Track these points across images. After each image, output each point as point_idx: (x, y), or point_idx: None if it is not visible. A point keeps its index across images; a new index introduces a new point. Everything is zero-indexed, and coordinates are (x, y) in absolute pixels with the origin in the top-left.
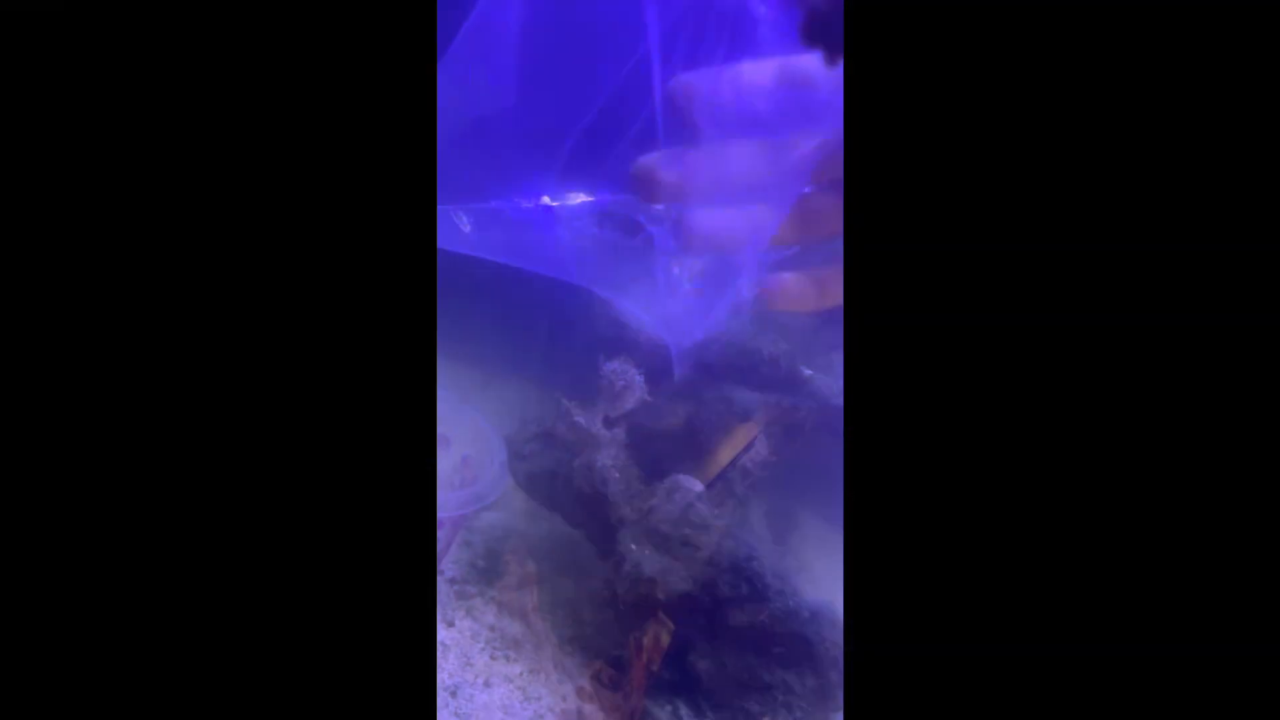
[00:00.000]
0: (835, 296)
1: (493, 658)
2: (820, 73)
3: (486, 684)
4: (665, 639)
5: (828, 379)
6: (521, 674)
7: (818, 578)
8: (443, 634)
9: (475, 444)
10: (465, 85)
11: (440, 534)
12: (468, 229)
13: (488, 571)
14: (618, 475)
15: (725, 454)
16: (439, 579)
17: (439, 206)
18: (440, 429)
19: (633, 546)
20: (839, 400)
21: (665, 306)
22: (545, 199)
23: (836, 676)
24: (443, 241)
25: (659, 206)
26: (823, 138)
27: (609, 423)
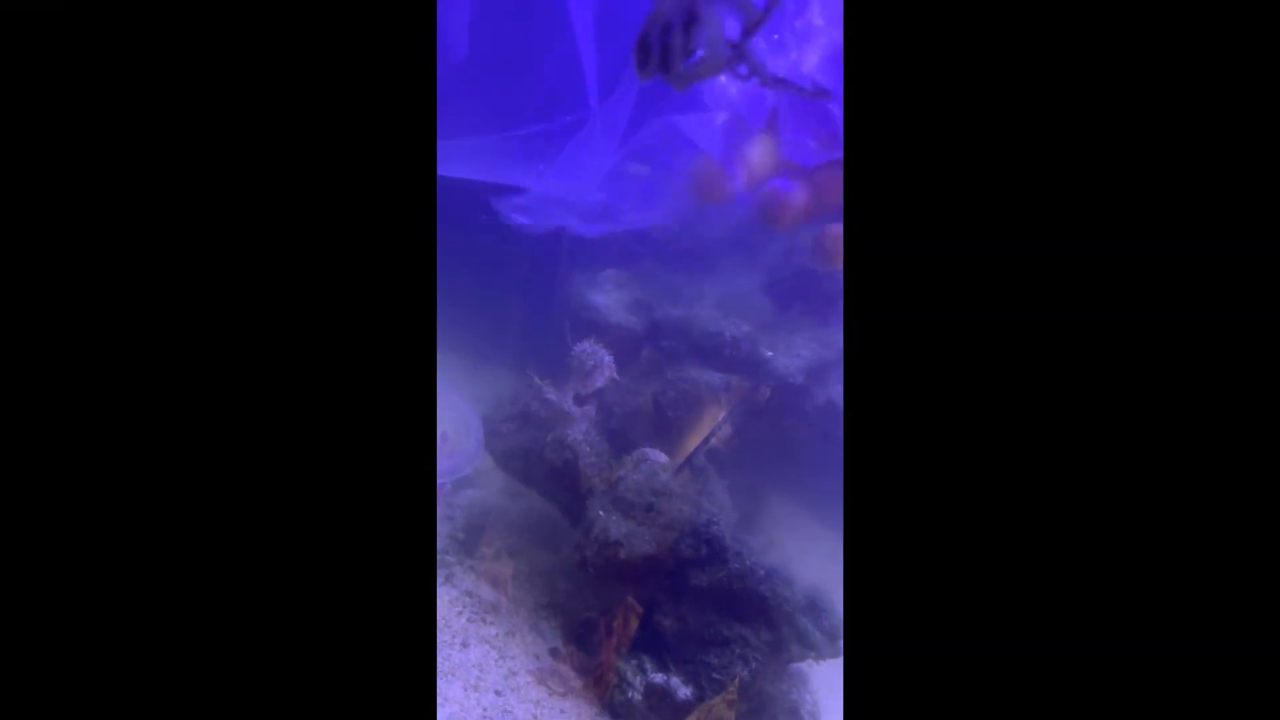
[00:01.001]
0: (830, 203)
1: (469, 620)
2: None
3: (464, 645)
4: (634, 623)
5: (787, 359)
6: (497, 635)
7: (790, 554)
8: None
9: (455, 423)
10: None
11: None
12: None
13: (467, 543)
14: (588, 449)
15: (695, 434)
16: None
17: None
18: None
19: (601, 513)
20: (799, 379)
21: None
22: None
23: (789, 630)
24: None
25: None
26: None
27: (579, 400)
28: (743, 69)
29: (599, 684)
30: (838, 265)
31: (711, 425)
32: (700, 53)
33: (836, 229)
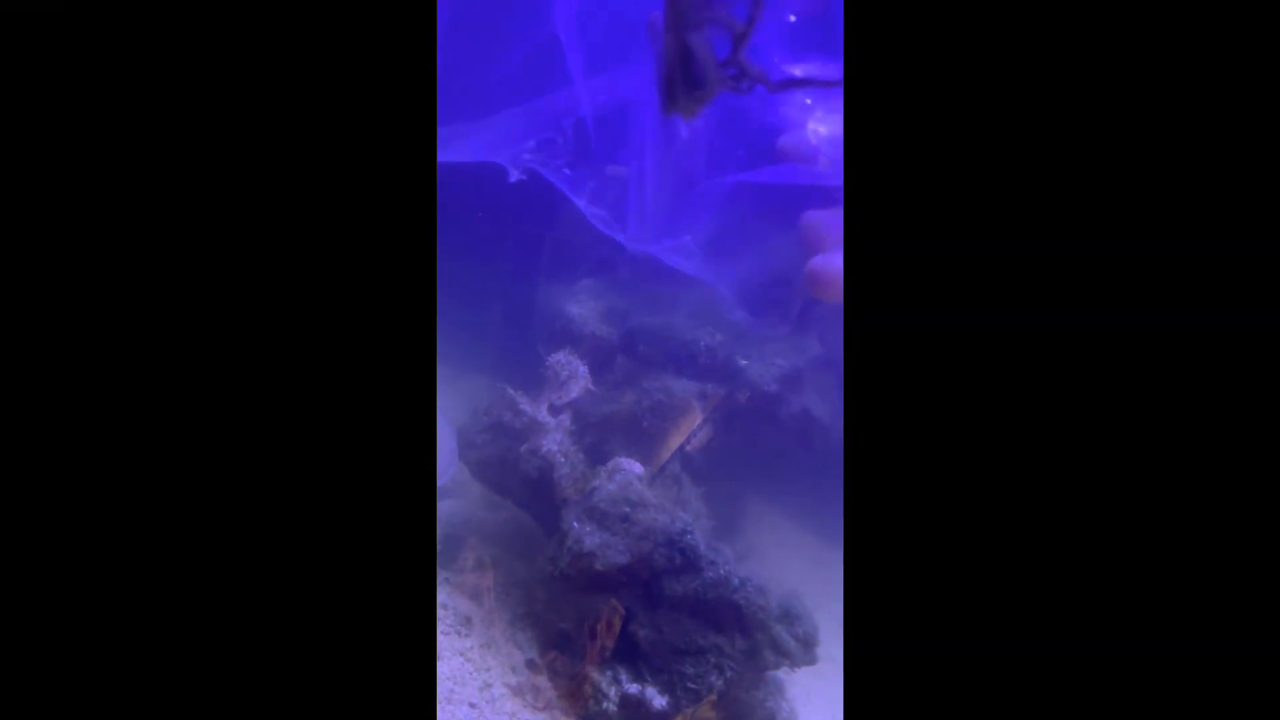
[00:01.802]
0: None
1: (444, 633)
2: None
3: (438, 657)
4: (617, 624)
5: (761, 367)
6: (473, 648)
7: (767, 560)
8: None
9: None
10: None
11: None
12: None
13: (442, 555)
14: (563, 459)
15: (671, 442)
16: None
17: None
18: None
19: (575, 524)
20: (773, 387)
21: None
22: None
23: (764, 638)
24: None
25: None
26: None
27: (554, 410)
28: (745, 84)
29: (578, 693)
30: (836, 298)
31: (687, 434)
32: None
33: (819, 262)
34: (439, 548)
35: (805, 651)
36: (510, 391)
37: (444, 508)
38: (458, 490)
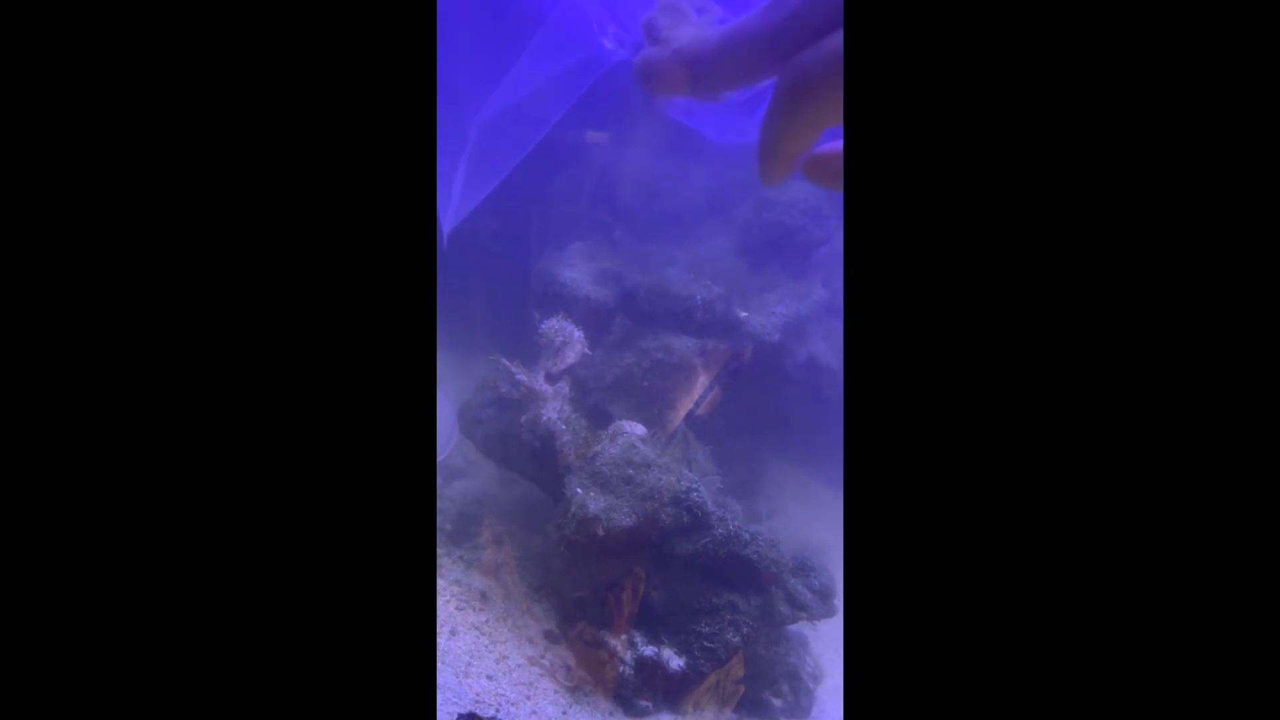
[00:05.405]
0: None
1: (458, 608)
2: None
3: (452, 633)
4: (641, 589)
5: (762, 318)
6: (488, 621)
7: (790, 516)
8: None
9: None
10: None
11: None
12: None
13: (454, 535)
14: (563, 426)
15: (678, 403)
16: None
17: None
18: None
19: (578, 490)
20: (775, 336)
21: None
22: None
23: (779, 592)
24: None
25: None
26: None
27: (551, 378)
28: None
29: (599, 661)
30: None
31: (690, 390)
32: None
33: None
34: (450, 527)
35: (823, 603)
36: (504, 363)
37: (457, 488)
38: (470, 469)
